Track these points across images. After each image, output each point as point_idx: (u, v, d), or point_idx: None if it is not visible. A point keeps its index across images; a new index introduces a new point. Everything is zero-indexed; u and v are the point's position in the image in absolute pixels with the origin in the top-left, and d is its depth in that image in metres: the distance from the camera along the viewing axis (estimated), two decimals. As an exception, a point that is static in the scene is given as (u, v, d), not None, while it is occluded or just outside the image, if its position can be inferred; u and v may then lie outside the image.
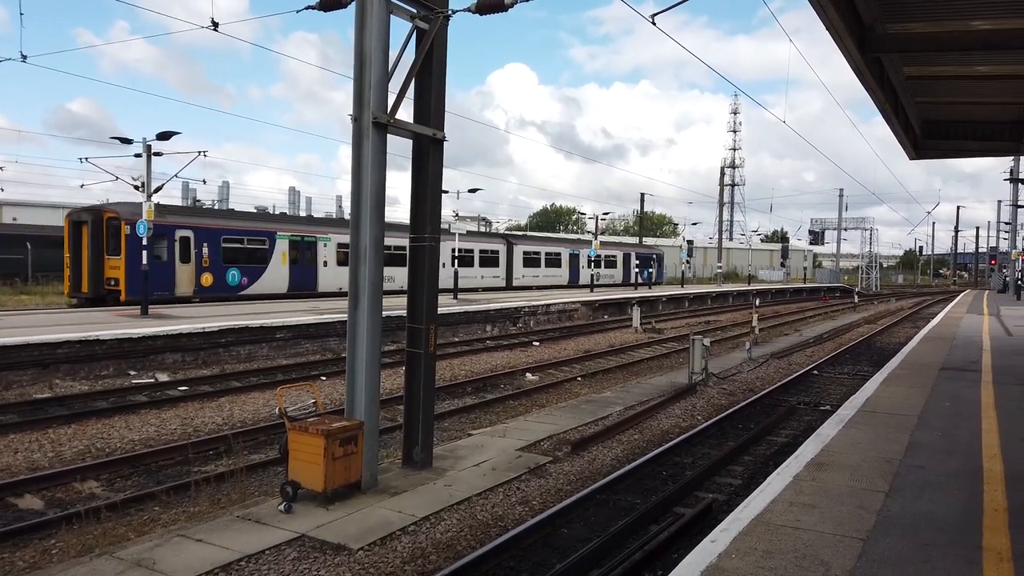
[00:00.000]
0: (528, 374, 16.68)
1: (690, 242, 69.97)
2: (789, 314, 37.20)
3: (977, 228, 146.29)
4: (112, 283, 22.72)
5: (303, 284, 27.40)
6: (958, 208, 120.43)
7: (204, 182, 79.37)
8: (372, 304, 7.60)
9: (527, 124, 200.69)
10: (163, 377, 14.75)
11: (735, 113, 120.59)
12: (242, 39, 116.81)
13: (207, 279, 24.46)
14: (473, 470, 8.54)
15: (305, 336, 18.77)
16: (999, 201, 63.47)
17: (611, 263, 49.43)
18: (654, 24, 8.54)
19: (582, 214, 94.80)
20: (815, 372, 17.43)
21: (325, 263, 28.15)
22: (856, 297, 51.16)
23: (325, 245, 28.23)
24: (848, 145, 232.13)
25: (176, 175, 34.17)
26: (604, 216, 47.94)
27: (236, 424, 11.33)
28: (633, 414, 12.01)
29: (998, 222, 64.09)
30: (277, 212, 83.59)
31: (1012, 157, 39.77)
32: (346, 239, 29.20)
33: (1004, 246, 60.92)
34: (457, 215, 29.61)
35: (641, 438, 10.84)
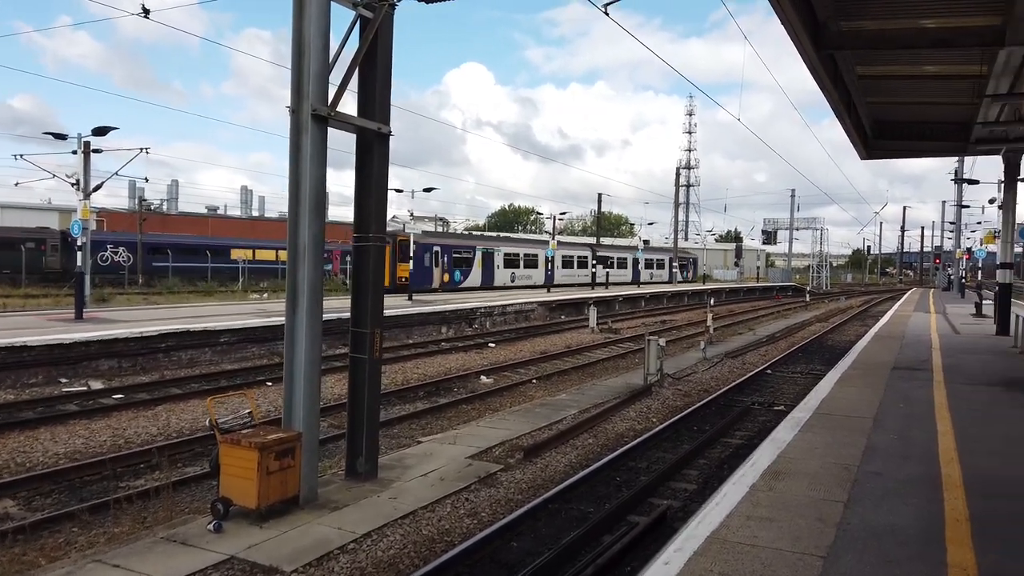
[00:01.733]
0: (483, 377, 16.34)
1: (646, 242, 70.50)
2: (743, 313, 37.58)
3: (922, 228, 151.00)
4: (402, 280, 33.39)
5: (487, 280, 41.09)
6: (904, 208, 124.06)
7: (147, 180, 76.53)
8: (311, 307, 7.17)
9: (484, 124, 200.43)
10: (97, 385, 13.99)
11: (690, 114, 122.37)
12: (191, 33, 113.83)
13: (446, 277, 37.64)
14: (421, 480, 8.16)
15: (252, 340, 18.11)
16: (943, 202, 65.39)
17: (660, 265, 63.03)
18: (607, 14, 8.29)
19: (539, 214, 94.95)
20: (769, 371, 17.46)
21: (499, 266, 42.26)
22: (807, 296, 52.07)
23: (497, 254, 42.27)
24: (799, 146, 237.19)
25: (116, 173, 32.62)
26: (561, 216, 48.70)
27: (172, 434, 10.74)
28: (588, 417, 11.76)
29: (942, 222, 66.05)
30: (229, 212, 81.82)
31: (957, 158, 40.86)
32: (510, 250, 44.40)
33: (948, 245, 62.76)
34: (412, 215, 29.08)
35: (596, 442, 10.59)
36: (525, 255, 45.41)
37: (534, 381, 15.90)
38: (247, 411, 7.28)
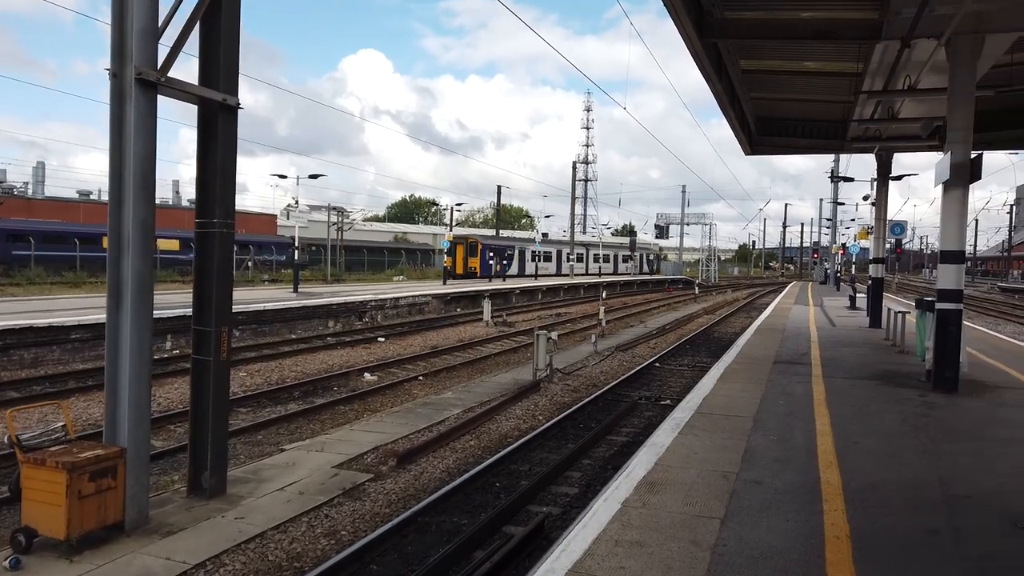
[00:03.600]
0: (367, 374, 15.48)
1: (545, 235, 70.86)
2: (636, 305, 38.16)
3: (802, 224, 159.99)
4: (472, 270, 48.03)
5: (521, 270, 53.89)
6: (786, 206, 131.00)
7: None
8: (138, 303, 6.20)
9: (382, 113, 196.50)
10: (-88, 390, 12.20)
11: (588, 110, 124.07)
12: (62, 5, 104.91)
13: (499, 267, 49.51)
14: (277, 495, 7.33)
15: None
16: (821, 199, 69.21)
17: (626, 259, 73.47)
18: (503, 4, 7.69)
19: (436, 204, 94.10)
20: (657, 364, 17.48)
21: (528, 260, 55.48)
22: (696, 289, 53.68)
23: (527, 251, 55.94)
24: (690, 144, 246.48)
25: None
26: (459, 207, 49.65)
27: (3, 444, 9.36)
28: (472, 417, 11.19)
29: (820, 219, 69.78)
30: (103, 198, 76.02)
31: (833, 157, 42.98)
32: (534, 248, 59.48)
33: (826, 241, 66.39)
34: (296, 202, 27.58)
35: (477, 444, 10.02)
36: (543, 252, 60.11)
37: (421, 378, 15.19)
38: (61, 424, 6.23)
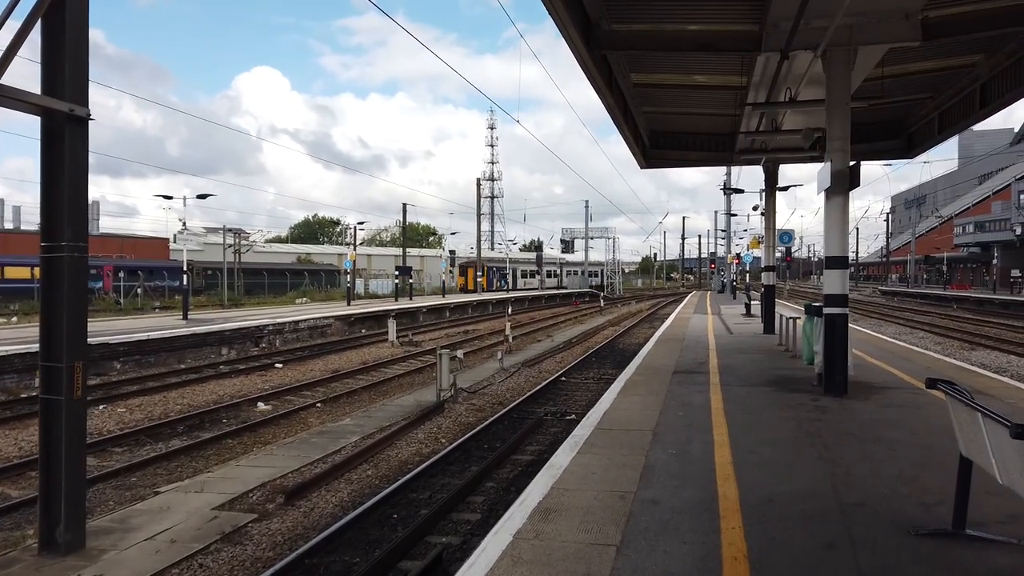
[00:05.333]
0: (260, 403, 14.62)
1: (453, 252, 70.52)
2: (544, 320, 38.29)
3: (699, 236, 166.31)
4: (479, 285, 59.04)
5: (515, 286, 66.46)
6: (684, 219, 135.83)
7: None
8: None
9: (279, 131, 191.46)
10: None
11: (492, 128, 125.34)
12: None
13: (497, 284, 67.13)
14: (144, 546, 6.62)
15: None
16: (716, 211, 72.02)
17: (594, 274, 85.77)
18: (400, 25, 7.33)
19: (338, 223, 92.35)
20: (563, 378, 17.40)
21: (518, 278, 70.94)
22: (602, 301, 54.56)
23: (517, 270, 71.36)
24: (591, 160, 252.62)
25: None
26: (361, 226, 47.37)
27: None
28: (370, 444, 10.67)
29: (715, 230, 72.57)
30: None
31: (726, 170, 44.72)
32: (523, 268, 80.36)
33: (722, 251, 69.00)
34: (184, 224, 26.09)
35: (375, 473, 9.52)
36: (530, 271, 75.62)
37: (319, 405, 14.46)
38: None
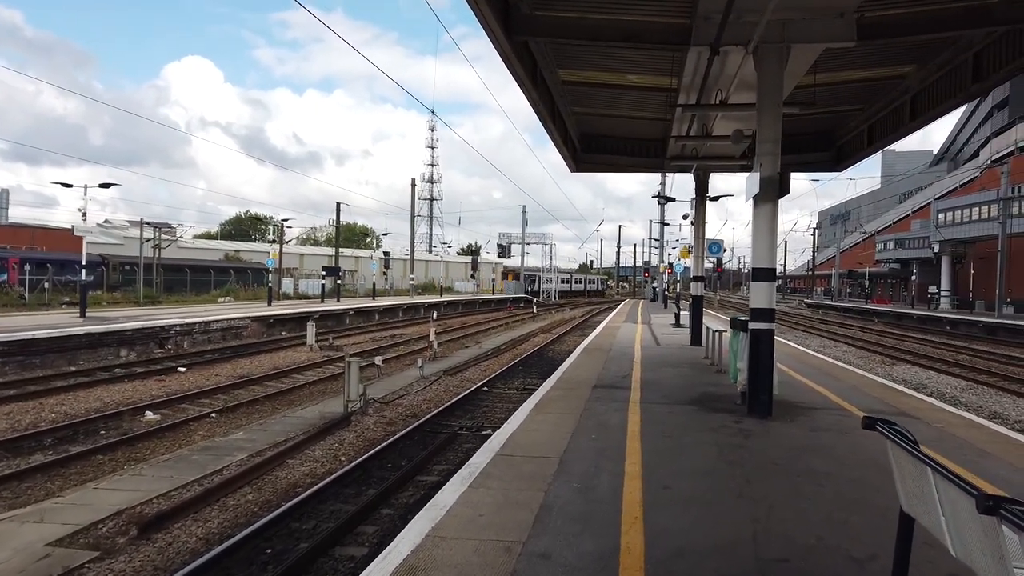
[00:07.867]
0: (149, 412, 13.30)
1: (387, 253, 68.90)
2: (475, 325, 37.43)
3: (635, 244, 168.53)
4: (501, 290, 73.11)
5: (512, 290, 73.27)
6: (620, 227, 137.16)
7: None
8: None
9: (210, 124, 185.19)
10: None
11: (432, 130, 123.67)
12: None
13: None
14: (-58, 597, 5.46)
15: None
16: (651, 220, 72.66)
17: (591, 282, 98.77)
18: (330, 28, 6.38)
19: (267, 221, 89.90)
20: (486, 389, 16.56)
21: (543, 282, 79.26)
22: (535, 307, 54.04)
23: (542, 276, 79.37)
24: (528, 166, 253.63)
25: None
26: (288, 223, 45.50)
27: None
28: (258, 463, 9.59)
29: (649, 239, 73.16)
30: None
31: (660, 179, 44.80)
32: (544, 275, 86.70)
33: (655, 260, 69.54)
34: (85, 215, 24.17)
35: (256, 499, 8.46)
36: (547, 277, 79.65)
37: (214, 415, 13.23)
38: None
